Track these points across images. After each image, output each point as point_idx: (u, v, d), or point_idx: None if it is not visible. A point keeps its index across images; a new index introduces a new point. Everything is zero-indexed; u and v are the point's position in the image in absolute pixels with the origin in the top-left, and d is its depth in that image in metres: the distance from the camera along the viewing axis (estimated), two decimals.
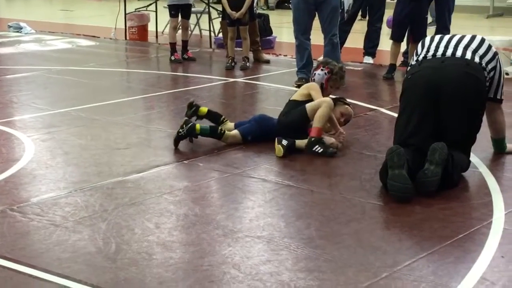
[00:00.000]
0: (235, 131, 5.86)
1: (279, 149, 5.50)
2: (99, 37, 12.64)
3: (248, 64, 9.53)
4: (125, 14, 12.40)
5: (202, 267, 3.63)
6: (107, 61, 10.49)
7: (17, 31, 13.20)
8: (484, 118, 5.26)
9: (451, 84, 4.92)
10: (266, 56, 10.22)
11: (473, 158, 5.34)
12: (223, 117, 6.16)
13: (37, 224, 4.19)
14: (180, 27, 10.45)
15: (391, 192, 4.57)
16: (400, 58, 9.19)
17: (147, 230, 4.12)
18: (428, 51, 5.19)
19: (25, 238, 4.01)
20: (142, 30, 12.36)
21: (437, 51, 5.14)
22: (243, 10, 9.38)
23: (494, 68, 5.18)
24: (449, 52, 5.09)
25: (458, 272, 3.56)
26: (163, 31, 12.69)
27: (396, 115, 6.51)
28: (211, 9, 12.30)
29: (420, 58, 5.18)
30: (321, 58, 8.54)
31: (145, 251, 3.84)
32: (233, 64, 9.49)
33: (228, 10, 9.43)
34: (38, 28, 13.68)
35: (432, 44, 5.22)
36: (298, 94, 6.05)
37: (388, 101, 7.70)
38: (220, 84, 8.71)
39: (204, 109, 6.21)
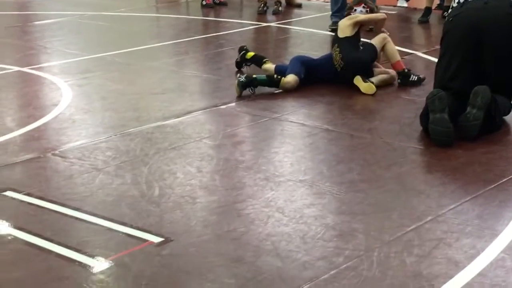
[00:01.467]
0: (290, 76, 5.80)
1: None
2: None
3: (280, 8, 9.44)
4: None
5: (245, 211, 3.63)
6: (137, 6, 10.43)
7: None
8: None
9: (494, 26, 4.83)
10: (297, 0, 10.10)
11: None
12: (265, 58, 6.31)
13: (80, 169, 4.22)
14: None
15: (432, 136, 4.53)
16: (436, 1, 9.03)
17: (189, 174, 4.13)
18: None
19: (69, 181, 4.04)
20: None
21: None
22: None
23: None
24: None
25: (503, 216, 3.54)
26: None
27: (432, 58, 6.53)
28: None
29: (461, 0, 5.08)
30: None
31: (188, 194, 3.85)
32: (265, 8, 9.40)
33: None
34: None
35: None
36: (346, 29, 6.02)
37: (424, 45, 7.60)
38: (253, 29, 8.64)
39: (250, 54, 6.40)
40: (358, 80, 5.73)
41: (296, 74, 5.80)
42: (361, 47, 6.04)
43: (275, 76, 5.80)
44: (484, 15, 4.86)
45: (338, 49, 5.95)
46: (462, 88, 4.78)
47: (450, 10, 5.24)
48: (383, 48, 5.98)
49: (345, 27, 6.05)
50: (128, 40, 7.95)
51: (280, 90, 5.74)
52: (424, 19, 8.57)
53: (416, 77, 5.83)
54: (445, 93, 4.63)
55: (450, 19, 5.07)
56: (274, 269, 3.07)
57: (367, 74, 5.85)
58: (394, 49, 6.01)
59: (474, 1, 4.99)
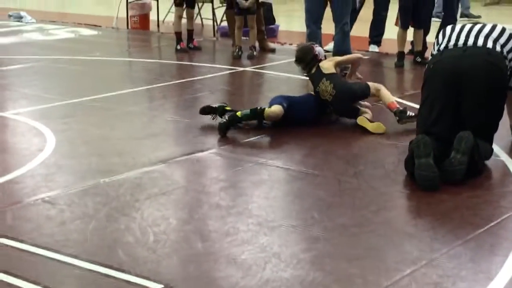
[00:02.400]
0: (274, 106, 5.93)
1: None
2: (100, 26, 12.62)
3: (255, 53, 9.56)
4: (127, 3, 12.37)
5: (242, 256, 3.66)
6: (112, 50, 10.48)
7: (18, 21, 13.17)
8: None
9: (473, 73, 4.97)
10: (271, 45, 10.24)
11: (493, 146, 5.41)
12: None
13: (71, 215, 4.22)
14: (185, 16, 10.42)
15: (419, 181, 4.61)
16: (408, 46, 9.22)
17: (181, 220, 4.16)
18: (449, 40, 5.22)
19: (62, 228, 4.03)
20: (143, 19, 12.35)
21: (458, 40, 5.17)
22: None
23: None
24: (470, 41, 5.11)
25: (495, 260, 3.62)
26: (163, 20, 12.69)
27: (407, 103, 6.65)
28: None
29: (442, 47, 5.22)
30: (330, 47, 8.64)
31: (183, 240, 3.87)
32: (240, 53, 9.51)
33: None
34: (38, 17, 13.63)
35: (453, 33, 5.25)
36: (331, 68, 6.27)
37: (398, 90, 7.73)
38: (229, 74, 8.72)
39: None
40: (363, 121, 5.93)
41: (279, 104, 5.93)
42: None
43: (258, 107, 5.92)
44: (463, 63, 5.02)
45: (327, 81, 6.12)
46: (444, 133, 4.90)
47: (430, 57, 5.38)
48: (377, 92, 6.19)
49: (329, 65, 6.29)
50: (105, 84, 7.98)
51: (262, 135, 5.81)
52: (401, 63, 8.74)
53: (412, 113, 5.99)
54: (429, 138, 4.74)
55: (431, 66, 5.21)
56: None
57: (354, 111, 6.07)
58: (389, 94, 6.24)
59: (453, 49, 5.14)
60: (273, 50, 10.05)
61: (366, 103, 6.32)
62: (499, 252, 3.71)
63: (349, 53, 8.40)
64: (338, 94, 6.09)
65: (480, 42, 5.10)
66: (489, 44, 5.08)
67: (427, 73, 5.24)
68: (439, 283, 3.37)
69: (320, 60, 6.33)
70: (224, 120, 5.82)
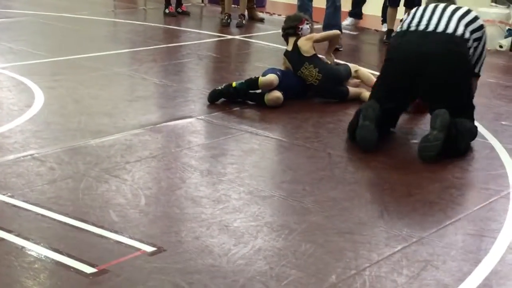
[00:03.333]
0: (269, 75, 5.87)
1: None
2: None
3: (244, 21, 9.51)
4: None
5: (234, 224, 3.67)
6: (99, 9, 10.37)
7: None
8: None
9: (434, 64, 4.92)
10: (260, 15, 10.19)
11: (481, 128, 5.45)
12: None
13: (62, 173, 4.19)
14: None
15: (359, 141, 4.83)
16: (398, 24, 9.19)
17: (173, 185, 4.15)
18: (412, 19, 5.15)
19: (53, 186, 4.01)
20: None
21: (421, 22, 5.08)
22: None
23: (479, 39, 5.14)
24: (432, 25, 5.03)
25: (485, 241, 3.65)
26: None
27: None
28: None
29: (405, 26, 5.16)
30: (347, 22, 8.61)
31: (175, 205, 3.87)
32: (229, 20, 9.46)
33: None
34: None
35: (417, 12, 5.19)
36: (310, 49, 6.17)
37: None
38: (217, 41, 8.68)
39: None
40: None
41: (274, 73, 5.89)
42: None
43: (253, 77, 5.90)
44: (422, 49, 4.96)
45: (311, 65, 6.06)
46: (394, 109, 5.13)
47: (393, 34, 5.33)
48: (356, 73, 6.16)
49: (308, 47, 6.18)
50: (92, 44, 7.91)
51: (253, 105, 5.79)
52: (389, 40, 8.71)
53: None
54: (379, 106, 4.90)
55: (392, 47, 5.25)
56: (267, 284, 3.11)
57: (341, 92, 6.03)
58: (368, 72, 6.22)
59: (414, 32, 5.08)
60: (261, 20, 10.00)
61: (355, 80, 6.31)
62: (488, 232, 3.74)
63: (340, 27, 8.39)
64: (324, 78, 6.05)
65: (442, 24, 5.02)
66: (451, 26, 5.00)
67: (389, 53, 5.25)
68: (430, 261, 3.39)
69: (298, 37, 6.28)
70: (218, 88, 5.79)
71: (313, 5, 8.49)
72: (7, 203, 3.75)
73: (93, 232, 3.48)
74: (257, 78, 5.85)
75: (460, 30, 5.01)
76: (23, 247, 3.30)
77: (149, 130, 5.05)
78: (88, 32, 8.67)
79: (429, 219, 3.89)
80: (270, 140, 5.03)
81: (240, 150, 4.83)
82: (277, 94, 5.80)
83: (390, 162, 4.73)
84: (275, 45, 8.39)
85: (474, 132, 5.10)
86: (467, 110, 5.09)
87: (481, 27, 5.15)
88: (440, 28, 5.02)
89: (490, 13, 9.01)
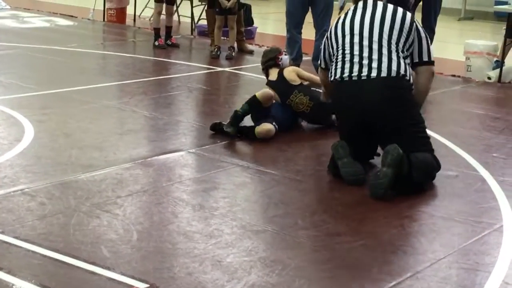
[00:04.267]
0: (265, 124, 5.84)
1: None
2: (76, 17, 12.49)
3: (233, 53, 9.53)
4: None
5: (227, 259, 3.64)
6: (89, 42, 10.37)
7: None
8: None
9: (374, 117, 4.90)
10: (249, 47, 10.22)
11: (472, 160, 5.46)
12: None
13: (52, 209, 4.15)
14: (164, 13, 10.35)
15: (345, 178, 4.80)
16: None
17: (165, 219, 4.12)
18: (343, 63, 5.01)
19: (43, 222, 3.97)
20: (120, 13, 12.25)
21: (352, 69, 4.95)
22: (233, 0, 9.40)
23: (413, 40, 5.03)
24: (364, 72, 4.92)
25: (480, 275, 3.63)
26: (140, 14, 12.62)
27: None
28: None
29: (337, 74, 5.03)
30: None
31: (167, 240, 3.84)
32: (218, 53, 9.48)
33: None
34: (12, 4, 13.44)
35: (345, 37, 5.05)
36: (296, 79, 6.24)
37: None
38: (207, 73, 8.69)
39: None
40: None
41: (269, 123, 5.88)
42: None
43: (251, 97, 5.94)
44: (362, 101, 4.93)
45: (300, 93, 6.08)
46: (363, 147, 5.13)
47: (331, 77, 5.13)
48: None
49: (294, 77, 6.24)
50: (82, 76, 7.90)
51: (243, 138, 5.77)
52: None
53: None
54: (346, 144, 4.92)
55: (334, 101, 5.23)
56: None
57: (330, 119, 6.12)
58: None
59: (349, 86, 5.00)
60: (251, 52, 10.04)
61: None
62: (482, 267, 3.72)
63: None
64: (317, 105, 6.06)
65: (374, 69, 4.89)
66: (384, 62, 4.88)
67: (334, 105, 5.26)
68: None
69: (281, 68, 6.31)
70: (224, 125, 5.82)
71: (303, 37, 8.53)
72: None
73: (84, 269, 3.45)
74: (254, 95, 5.88)
75: (394, 63, 4.90)
76: (13, 284, 3.26)
77: (140, 164, 5.03)
78: (78, 64, 8.67)
79: (423, 253, 3.88)
80: (262, 173, 5.01)
81: (232, 184, 4.80)
82: (268, 126, 5.80)
83: (385, 199, 4.72)
84: (264, 77, 8.41)
85: (432, 163, 4.93)
86: (421, 141, 4.97)
87: (410, 29, 5.01)
88: (373, 73, 4.89)
89: (478, 45, 9.07)
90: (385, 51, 4.95)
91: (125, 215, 4.12)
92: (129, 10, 12.45)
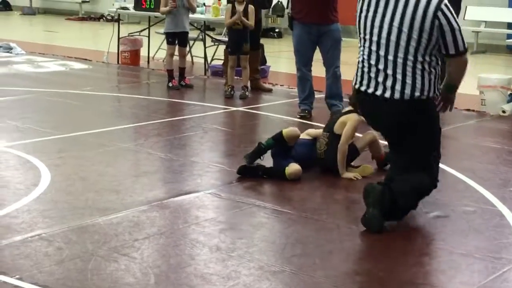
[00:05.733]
0: (293, 166, 5.83)
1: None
2: (91, 60, 12.60)
3: (247, 93, 9.57)
4: (118, 38, 12.39)
5: None
6: (103, 85, 10.45)
7: (7, 52, 13.11)
8: None
9: (384, 133, 5.11)
10: (266, 85, 10.22)
11: (489, 195, 5.44)
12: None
13: (70, 253, 4.16)
14: (177, 54, 10.42)
15: (365, 225, 4.73)
16: None
17: (182, 261, 4.11)
18: (362, 72, 4.91)
19: (61, 267, 3.97)
20: (134, 55, 12.33)
21: (369, 84, 4.85)
22: (250, 22, 9.43)
23: (437, 38, 4.71)
24: (379, 91, 4.80)
25: None
26: (153, 56, 12.71)
27: None
28: (206, 37, 12.32)
29: (356, 81, 4.97)
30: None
31: (185, 283, 3.83)
32: (232, 92, 9.52)
33: (233, 20, 9.43)
34: (27, 49, 13.58)
35: (364, 51, 4.92)
36: (345, 130, 5.98)
37: None
38: (222, 113, 8.72)
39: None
40: (349, 172, 5.91)
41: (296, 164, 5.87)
42: None
43: (277, 134, 5.95)
44: (373, 119, 5.07)
45: (327, 139, 6.01)
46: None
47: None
48: (369, 145, 6.14)
49: (346, 128, 5.96)
50: (98, 119, 7.95)
51: (258, 178, 5.76)
52: None
53: None
54: (377, 185, 4.84)
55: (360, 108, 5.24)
56: None
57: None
58: (380, 146, 6.11)
59: (363, 95, 4.94)
60: (270, 90, 10.04)
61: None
62: None
63: (341, 96, 8.42)
64: (326, 160, 6.02)
65: (388, 85, 4.75)
66: (398, 80, 4.72)
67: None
68: None
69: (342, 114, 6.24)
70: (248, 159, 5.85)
71: (314, 75, 8.55)
72: (16, 286, 3.71)
73: None
74: (280, 131, 5.91)
75: (408, 80, 4.71)
76: None
77: (156, 206, 5.03)
78: (93, 107, 8.72)
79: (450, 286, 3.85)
80: (279, 213, 5.01)
81: (248, 224, 4.80)
82: (297, 166, 5.80)
83: (401, 232, 4.70)
84: (278, 115, 8.45)
85: (418, 185, 4.84)
86: (419, 161, 4.87)
87: (432, 25, 4.69)
88: (387, 91, 4.76)
89: (491, 78, 9.07)
90: (400, 64, 4.73)
91: (143, 258, 4.12)
92: (143, 52, 12.54)
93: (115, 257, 4.11)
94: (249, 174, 5.77)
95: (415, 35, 4.70)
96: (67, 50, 13.95)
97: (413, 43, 4.71)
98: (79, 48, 14.48)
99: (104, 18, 20.70)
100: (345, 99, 8.72)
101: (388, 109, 4.83)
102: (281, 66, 12.76)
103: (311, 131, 6.39)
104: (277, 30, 18.05)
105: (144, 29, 12.81)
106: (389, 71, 4.77)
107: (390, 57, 4.77)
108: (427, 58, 4.76)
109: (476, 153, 7.01)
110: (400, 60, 4.75)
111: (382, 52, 4.79)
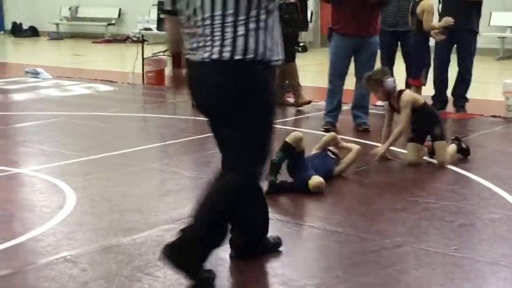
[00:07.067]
0: (316, 178, 5.83)
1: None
2: (116, 82, 12.72)
3: None
4: (143, 59, 12.50)
5: None
6: (129, 106, 10.54)
7: (35, 77, 13.28)
8: None
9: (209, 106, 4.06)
10: (306, 97, 10.17)
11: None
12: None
13: (94, 275, 4.19)
14: None
15: None
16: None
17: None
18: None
19: None
20: (159, 75, 12.43)
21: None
22: None
23: None
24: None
25: None
26: None
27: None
28: None
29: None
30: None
31: None
32: None
33: None
34: (54, 73, 13.75)
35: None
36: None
37: None
38: None
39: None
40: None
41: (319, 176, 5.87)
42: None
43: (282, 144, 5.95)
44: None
45: None
46: None
47: None
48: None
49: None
50: (123, 140, 8.01)
51: (281, 192, 5.77)
52: None
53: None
54: None
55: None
56: None
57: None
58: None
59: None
60: (309, 102, 9.97)
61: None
62: None
63: (367, 109, 8.42)
64: None
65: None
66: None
67: None
68: None
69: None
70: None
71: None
72: None
73: None
74: (285, 141, 5.93)
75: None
76: None
77: (181, 225, 5.03)
78: (119, 129, 8.80)
79: None
80: (301, 227, 5.01)
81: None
82: (320, 179, 5.80)
83: (422, 242, 4.67)
84: (301, 129, 8.41)
85: (223, 194, 4.04)
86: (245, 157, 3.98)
87: None
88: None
89: None
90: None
91: (166, 277, 4.13)
92: (168, 71, 12.60)
93: (139, 277, 4.14)
94: (277, 192, 5.77)
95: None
96: (93, 73, 14.11)
97: None
98: (105, 70, 14.64)
99: (129, 40, 20.91)
100: (372, 110, 8.74)
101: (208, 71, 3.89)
102: (307, 80, 12.74)
103: (317, 145, 6.45)
104: (301, 43, 18.08)
105: (168, 49, 12.87)
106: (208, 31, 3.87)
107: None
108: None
109: (503, 160, 6.95)
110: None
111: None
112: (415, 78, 8.95)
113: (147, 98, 11.67)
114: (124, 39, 21.44)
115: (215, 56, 3.80)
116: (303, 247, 4.67)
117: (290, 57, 10.00)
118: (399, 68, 9.63)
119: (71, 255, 4.49)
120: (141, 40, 13.28)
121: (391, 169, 6.58)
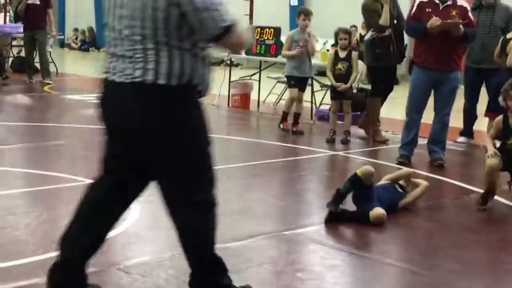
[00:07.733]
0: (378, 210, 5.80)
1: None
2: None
3: (348, 138, 9.56)
4: (229, 82, 12.69)
5: None
6: (212, 127, 10.65)
7: None
8: None
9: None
10: (384, 135, 9.96)
11: None
12: None
13: (142, 285, 4.30)
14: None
15: None
16: None
17: None
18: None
19: None
20: (244, 98, 12.62)
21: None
22: (348, 85, 9.52)
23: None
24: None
25: None
26: (264, 100, 12.88)
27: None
28: (314, 81, 12.42)
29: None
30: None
31: None
32: (333, 137, 9.53)
33: (333, 82, 9.56)
34: None
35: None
36: None
37: None
38: (319, 157, 8.73)
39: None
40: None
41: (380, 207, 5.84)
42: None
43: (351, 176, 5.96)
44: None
45: None
46: None
47: None
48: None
49: None
50: None
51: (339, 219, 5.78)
52: None
53: None
54: None
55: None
56: None
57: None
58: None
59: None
60: (386, 141, 9.71)
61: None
62: None
63: (444, 145, 8.29)
64: None
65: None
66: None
67: None
68: None
69: None
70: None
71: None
72: None
73: None
74: (355, 173, 5.94)
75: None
76: None
77: (234, 245, 5.11)
78: None
79: None
80: (354, 256, 4.99)
81: (322, 266, 4.81)
82: (381, 210, 5.77)
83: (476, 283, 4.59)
84: (377, 160, 8.38)
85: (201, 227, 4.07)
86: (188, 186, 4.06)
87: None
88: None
89: None
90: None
91: None
92: (253, 95, 12.78)
93: None
94: (336, 221, 5.76)
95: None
96: None
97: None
98: None
99: (224, 63, 21.14)
100: (450, 146, 8.62)
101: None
102: (395, 113, 12.62)
103: (388, 176, 6.39)
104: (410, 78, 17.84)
105: (255, 73, 13.04)
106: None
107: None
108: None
109: None
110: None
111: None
112: (493, 111, 8.76)
113: (231, 120, 11.82)
114: (218, 63, 21.71)
115: (137, 80, 3.60)
116: (352, 277, 4.67)
117: (374, 92, 10.00)
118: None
119: (124, 266, 4.62)
120: (236, 64, 13.44)
121: (461, 206, 6.47)
